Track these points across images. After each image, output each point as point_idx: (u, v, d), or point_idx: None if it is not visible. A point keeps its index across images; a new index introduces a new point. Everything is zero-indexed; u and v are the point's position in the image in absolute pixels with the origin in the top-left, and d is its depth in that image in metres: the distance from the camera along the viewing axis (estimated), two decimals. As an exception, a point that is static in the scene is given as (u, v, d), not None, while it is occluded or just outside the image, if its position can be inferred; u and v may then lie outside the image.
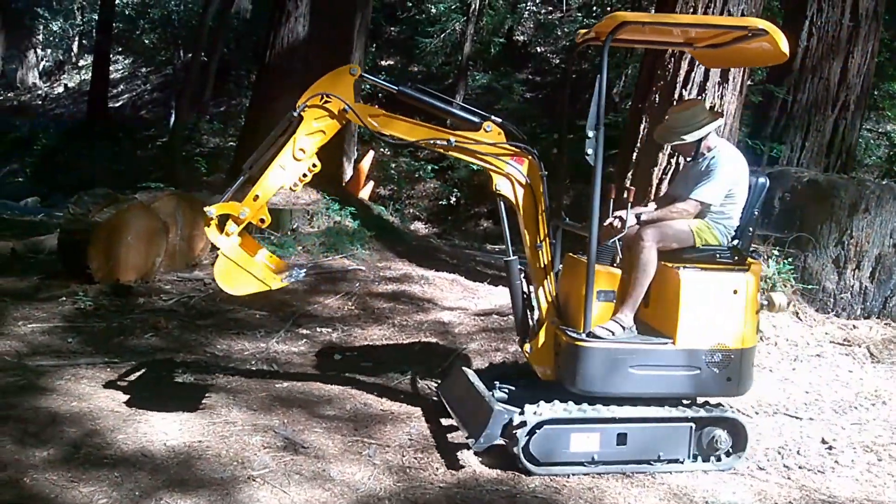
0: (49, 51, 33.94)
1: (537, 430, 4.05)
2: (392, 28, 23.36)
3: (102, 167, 19.75)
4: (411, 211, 17.06)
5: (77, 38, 33.64)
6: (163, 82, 25.11)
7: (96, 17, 26.41)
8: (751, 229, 4.45)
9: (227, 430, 4.44)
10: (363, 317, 7.03)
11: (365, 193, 12.16)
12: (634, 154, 7.72)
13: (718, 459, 4.30)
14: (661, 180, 7.52)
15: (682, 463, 4.25)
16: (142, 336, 6.07)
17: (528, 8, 23.41)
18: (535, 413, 4.07)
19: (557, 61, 22.17)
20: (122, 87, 27.50)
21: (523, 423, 4.04)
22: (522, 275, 4.51)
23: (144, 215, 7.41)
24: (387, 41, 23.23)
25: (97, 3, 27.28)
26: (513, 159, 4.28)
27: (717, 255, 4.32)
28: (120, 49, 28.43)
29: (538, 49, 22.35)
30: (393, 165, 17.58)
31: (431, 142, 4.28)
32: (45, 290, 6.75)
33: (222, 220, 4.19)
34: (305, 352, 6.07)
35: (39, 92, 30.53)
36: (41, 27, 30.77)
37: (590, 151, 4.02)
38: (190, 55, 20.46)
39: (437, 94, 4.50)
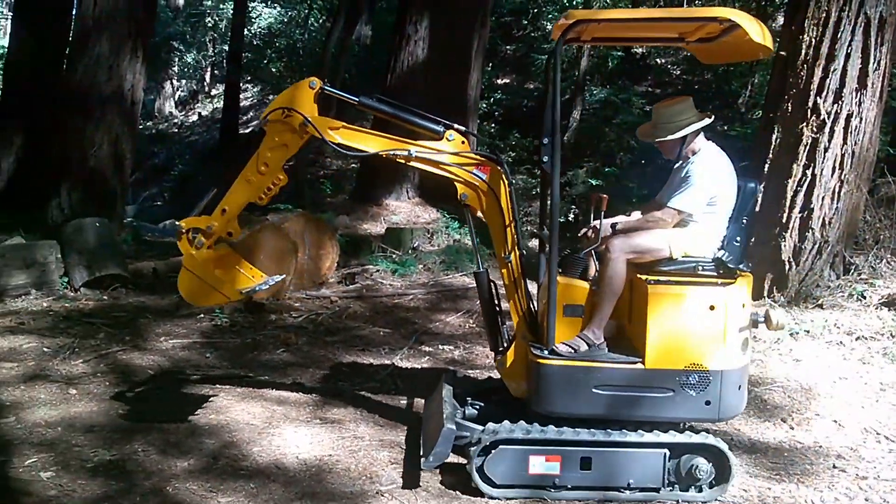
0: (184, 81, 36.15)
1: (493, 451, 3.83)
2: (508, 47, 23.44)
3: (234, 190, 20.72)
4: (528, 228, 16.97)
5: (209, 69, 35.65)
6: (289, 108, 26.12)
7: (227, 49, 27.90)
8: (738, 239, 4.10)
9: (355, 445, 4.52)
10: (484, 335, 7.01)
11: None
12: (766, 166, 7.39)
13: (700, 490, 3.90)
14: (795, 193, 7.17)
15: (657, 492, 3.87)
16: (273, 351, 6.29)
17: (646, 20, 22.98)
18: (489, 432, 3.86)
19: (678, 72, 21.61)
20: (251, 113, 28.82)
21: (478, 442, 3.87)
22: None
23: (275, 236, 7.72)
24: (502, 60, 23.32)
25: (227, 35, 28.83)
26: (477, 168, 4.10)
27: (700, 268, 3.95)
28: (249, 78, 29.87)
29: (657, 61, 21.85)
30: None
31: (393, 153, 4.15)
32: (184, 308, 7.12)
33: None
34: (429, 368, 6.12)
35: (175, 120, 32.48)
36: (176, 59, 32.82)
37: (545, 159, 3.87)
38: (314, 81, 21.28)
39: (398, 104, 4.40)
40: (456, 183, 4.12)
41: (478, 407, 4.38)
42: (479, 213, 4.17)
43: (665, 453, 3.83)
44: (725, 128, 18.46)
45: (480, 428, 4.00)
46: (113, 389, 5.27)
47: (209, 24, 35.08)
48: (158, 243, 11.17)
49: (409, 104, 11.83)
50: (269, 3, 29.77)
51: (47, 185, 9.63)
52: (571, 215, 16.92)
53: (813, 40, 7.15)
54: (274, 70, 26.35)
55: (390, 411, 5.11)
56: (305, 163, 16.18)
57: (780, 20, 21.37)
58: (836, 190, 7.18)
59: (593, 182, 16.92)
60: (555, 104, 3.80)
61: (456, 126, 4.19)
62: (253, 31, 28.16)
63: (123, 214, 11.80)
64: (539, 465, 3.82)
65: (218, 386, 5.41)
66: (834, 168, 7.14)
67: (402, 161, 4.17)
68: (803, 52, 7.21)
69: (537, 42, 20.90)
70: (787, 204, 7.21)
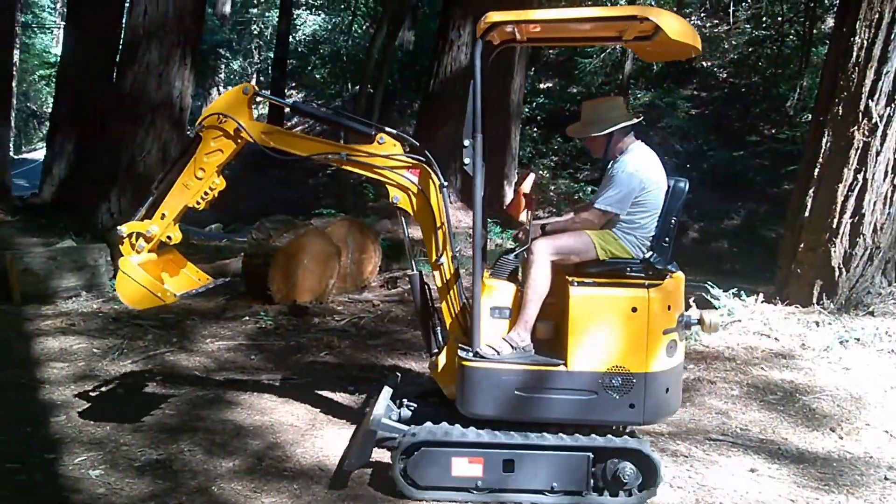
0: (229, 87, 36.81)
1: (415, 453, 3.80)
2: (550, 51, 23.37)
3: (277, 195, 21.02)
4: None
5: (255, 76, 36.25)
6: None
7: (272, 56, 28.31)
8: (667, 239, 3.97)
9: (397, 449, 4.52)
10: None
11: (525, 216, 12.15)
12: (816, 170, 7.24)
13: (629, 495, 3.79)
14: (846, 198, 7.01)
15: (582, 496, 3.79)
16: (317, 354, 6.35)
17: (692, 22, 22.69)
18: (410, 434, 3.83)
19: (725, 75, 21.32)
20: (295, 119, 29.20)
21: (399, 444, 3.84)
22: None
23: (319, 240, 7.79)
24: (545, 64, 23.28)
25: (273, 42, 29.26)
26: (408, 171, 4.07)
27: (628, 269, 3.87)
28: (293, 84, 30.27)
29: (703, 63, 21.59)
30: (552, 187, 17.51)
31: (326, 156, 4.17)
32: (230, 311, 7.23)
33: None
34: (470, 373, 6.10)
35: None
36: (223, 66, 33.41)
37: (467, 161, 3.82)
38: (357, 87, 21.42)
39: (328, 108, 4.40)
40: (387, 185, 4.11)
41: (412, 408, 4.33)
42: (412, 216, 4.14)
43: (588, 456, 3.76)
44: (773, 131, 18.15)
45: (406, 429, 3.96)
46: (160, 390, 5.38)
47: (255, 32, 35.68)
48: (204, 246, 11.36)
49: (452, 109, 11.99)
50: (313, 10, 30.15)
51: (98, 190, 9.85)
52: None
53: (865, 42, 6.99)
54: (318, 76, 26.66)
55: (432, 415, 5.10)
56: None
57: (830, 22, 20.99)
58: (889, 194, 7.00)
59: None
60: (475, 105, 3.76)
61: (387, 129, 4.17)
62: (297, 39, 28.54)
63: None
64: (462, 467, 3.78)
65: (262, 388, 5.47)
66: (886, 172, 6.97)
67: (335, 164, 4.20)
68: (854, 54, 7.05)
69: (580, 46, 20.78)
70: (838, 209, 7.05)
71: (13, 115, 21.66)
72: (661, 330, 3.73)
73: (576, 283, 3.80)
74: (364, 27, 27.26)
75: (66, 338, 6.46)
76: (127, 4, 14.70)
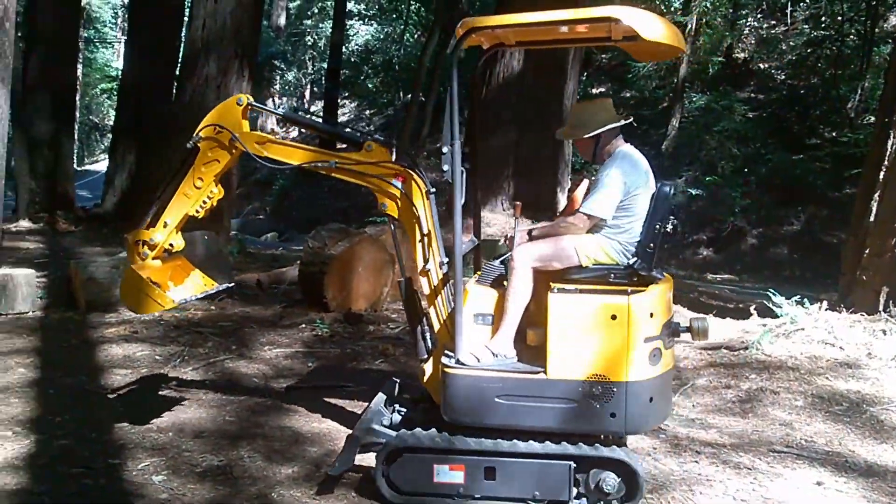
0: (285, 98, 37.44)
1: (398, 458, 3.80)
2: (603, 55, 23.18)
3: (330, 204, 21.28)
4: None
5: (309, 86, 36.81)
6: (384, 123, 26.66)
7: (325, 66, 28.70)
8: (652, 245, 3.83)
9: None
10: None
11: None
12: (881, 173, 7.02)
13: None
14: (914, 201, 6.78)
15: None
16: (372, 362, 6.39)
17: (748, 24, 22.27)
18: (393, 440, 3.84)
19: (783, 77, 20.85)
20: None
21: (382, 451, 3.85)
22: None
23: (373, 248, 7.85)
24: (597, 69, 23.10)
25: (326, 53, 29.66)
26: (394, 178, 4.08)
27: (612, 275, 3.80)
28: (346, 94, 30.64)
29: (761, 65, 21.15)
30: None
31: (317, 164, 4.23)
32: (286, 318, 7.32)
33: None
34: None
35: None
36: (278, 78, 34.01)
37: (446, 168, 3.76)
38: (409, 96, 21.60)
39: (318, 117, 4.37)
40: (375, 193, 4.15)
41: (403, 413, 4.32)
42: (400, 223, 4.17)
43: (570, 465, 3.71)
44: (834, 134, 17.67)
45: (391, 435, 3.96)
46: (220, 396, 5.47)
47: (309, 43, 36.21)
48: (262, 255, 11.55)
49: (504, 116, 11.97)
50: (366, 20, 30.46)
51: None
52: (669, 226, 16.56)
53: (932, 40, 6.76)
54: (370, 85, 26.92)
55: (488, 424, 5.09)
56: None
57: (893, 20, 20.36)
58: (959, 197, 6.75)
59: (693, 192, 16.48)
60: (453, 112, 3.72)
61: (375, 137, 4.22)
62: (350, 49, 28.87)
63: (229, 228, 12.26)
64: (443, 473, 3.78)
65: (320, 395, 5.52)
66: (955, 174, 6.72)
67: (325, 172, 4.24)
68: (922, 52, 6.82)
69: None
70: (905, 213, 6.84)
71: (76, 127, 22.36)
72: (642, 338, 3.64)
73: (556, 290, 3.76)
74: (416, 36, 27.43)
75: (128, 345, 6.62)
76: (186, 19, 15.11)
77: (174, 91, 11.66)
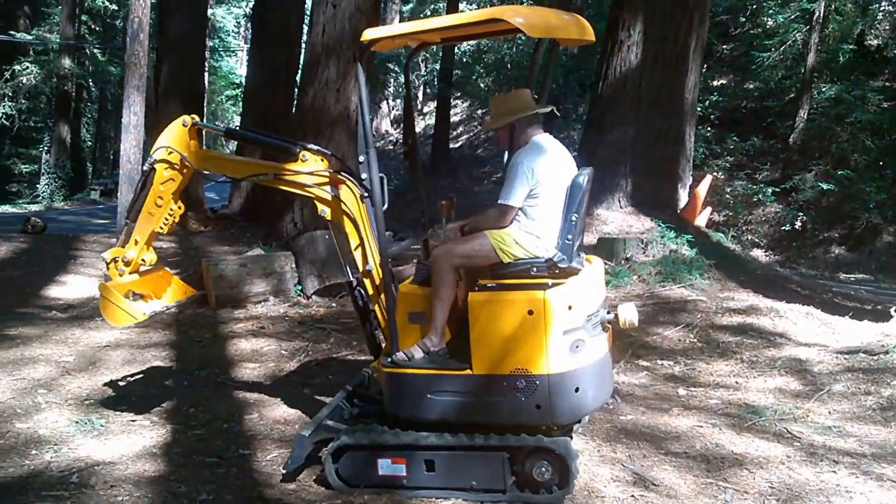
0: (398, 101, 38.03)
1: (345, 453, 3.98)
2: (724, 46, 22.31)
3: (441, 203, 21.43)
4: (749, 237, 16.00)
5: (422, 88, 37.25)
6: (496, 121, 26.63)
7: (438, 67, 28.95)
8: (570, 237, 3.84)
9: (574, 459, 4.43)
10: (706, 350, 6.67)
11: (702, 220, 11.64)
12: None
13: (550, 492, 3.81)
14: None
15: (504, 493, 3.84)
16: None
17: (882, 9, 20.88)
18: (338, 438, 3.99)
19: (921, 64, 19.41)
20: (460, 128, 29.76)
21: (330, 446, 4.00)
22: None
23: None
24: (718, 60, 22.23)
25: (439, 54, 29.92)
26: (330, 185, 4.24)
27: (534, 269, 3.84)
28: (458, 94, 30.81)
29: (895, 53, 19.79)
30: (728, 190, 16.67)
31: (258, 176, 4.43)
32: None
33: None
34: (647, 384, 5.90)
35: (391, 138, 34.25)
36: (392, 80, 34.59)
37: (364, 176, 3.98)
38: (522, 93, 21.48)
39: (258, 131, 4.80)
40: (314, 200, 4.30)
41: (360, 408, 4.49)
42: (340, 228, 4.29)
43: (503, 456, 3.81)
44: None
45: (341, 430, 4.10)
46: (342, 392, 5.59)
47: (421, 44, 36.68)
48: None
49: (622, 111, 11.71)
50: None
51: (282, 201, 10.44)
52: (798, 223, 15.74)
53: None
54: (482, 85, 26.95)
55: (608, 426, 4.98)
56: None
57: None
58: None
59: (823, 186, 15.61)
60: (364, 120, 3.93)
61: (310, 146, 4.34)
62: (462, 49, 28.99)
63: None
64: (387, 467, 3.94)
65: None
66: None
67: (265, 184, 4.44)
68: None
69: (758, 39, 19.68)
70: None
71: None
72: (560, 330, 3.67)
73: (476, 288, 3.87)
74: (528, 33, 27.30)
75: (256, 340, 6.88)
76: (306, 26, 15.58)
77: (296, 95, 12.02)
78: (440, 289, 3.94)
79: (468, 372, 3.80)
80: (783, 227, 15.92)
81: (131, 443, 4.66)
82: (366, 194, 4.10)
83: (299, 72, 14.28)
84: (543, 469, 3.79)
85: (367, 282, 4.28)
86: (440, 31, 4.10)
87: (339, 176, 4.23)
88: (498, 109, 4.20)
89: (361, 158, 3.98)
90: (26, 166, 31.86)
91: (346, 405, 4.50)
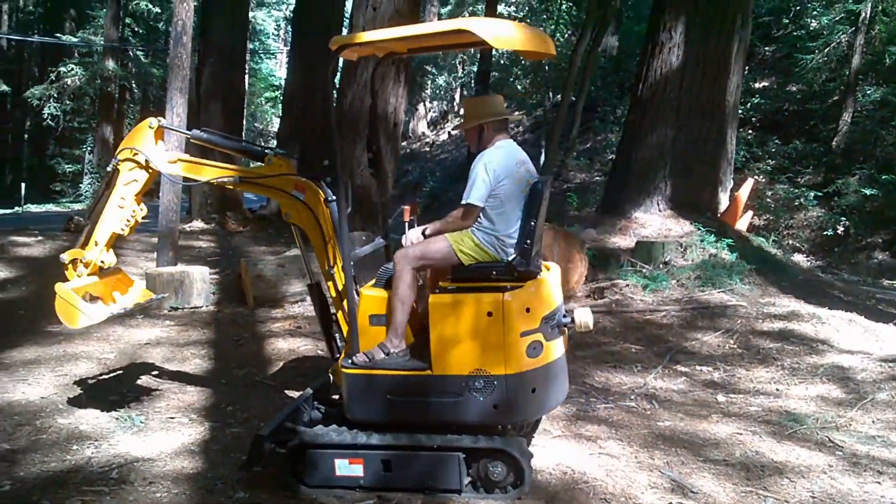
0: (435, 103, 38.12)
1: (304, 453, 4.01)
2: (766, 48, 21.96)
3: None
4: (790, 242, 15.71)
5: (458, 90, 37.27)
6: (533, 124, 26.52)
7: (475, 70, 28.93)
8: (528, 241, 3.93)
9: (610, 464, 4.40)
10: (746, 356, 6.56)
11: (742, 224, 11.45)
12: None
13: (505, 491, 3.89)
14: None
15: (460, 493, 3.90)
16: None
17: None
18: (296, 439, 4.03)
19: (972, 66, 18.90)
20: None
21: (288, 447, 4.03)
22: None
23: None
24: (760, 62, 21.89)
25: (476, 56, 29.89)
26: (295, 189, 4.30)
27: (493, 273, 3.95)
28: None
29: (947, 53, 19.28)
30: (769, 193, 16.39)
31: (224, 179, 4.49)
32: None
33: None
34: (685, 390, 5.82)
35: (427, 139, 34.31)
36: (429, 83, 34.68)
37: (328, 180, 4.08)
38: (559, 96, 21.39)
39: (225, 135, 4.78)
40: (280, 202, 4.39)
41: (322, 409, 4.54)
42: (304, 231, 4.35)
43: (459, 456, 3.86)
44: None
45: (300, 431, 4.12)
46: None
47: (459, 47, 36.69)
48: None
49: (662, 113, 11.56)
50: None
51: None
52: (841, 228, 15.41)
53: None
54: (519, 87, 26.87)
55: (645, 432, 4.92)
56: (549, 177, 16.31)
57: None
58: None
59: (867, 192, 15.27)
60: (332, 123, 4.14)
61: (277, 151, 4.45)
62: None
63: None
64: (344, 467, 3.97)
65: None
66: None
67: (232, 186, 4.53)
68: None
69: (801, 41, 19.35)
70: None
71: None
72: (518, 332, 3.76)
73: (437, 290, 3.98)
74: (566, 35, 27.13)
75: (293, 339, 6.93)
76: (345, 29, 15.69)
77: (335, 97, 12.11)
78: (400, 291, 4.01)
79: (428, 373, 3.88)
80: (825, 232, 15.60)
81: (170, 440, 4.72)
82: (331, 198, 4.17)
83: (338, 74, 14.38)
84: (499, 469, 3.88)
85: (329, 284, 4.35)
86: (406, 40, 4.22)
87: (304, 180, 4.32)
88: (469, 112, 4.31)
89: (326, 163, 4.09)
90: (70, 166, 32.53)
91: (306, 407, 4.53)
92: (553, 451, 4.56)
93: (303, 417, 4.45)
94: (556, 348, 3.99)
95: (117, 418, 5.03)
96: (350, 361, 4.04)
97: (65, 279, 4.67)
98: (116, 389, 5.62)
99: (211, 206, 15.18)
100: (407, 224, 4.53)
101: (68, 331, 6.97)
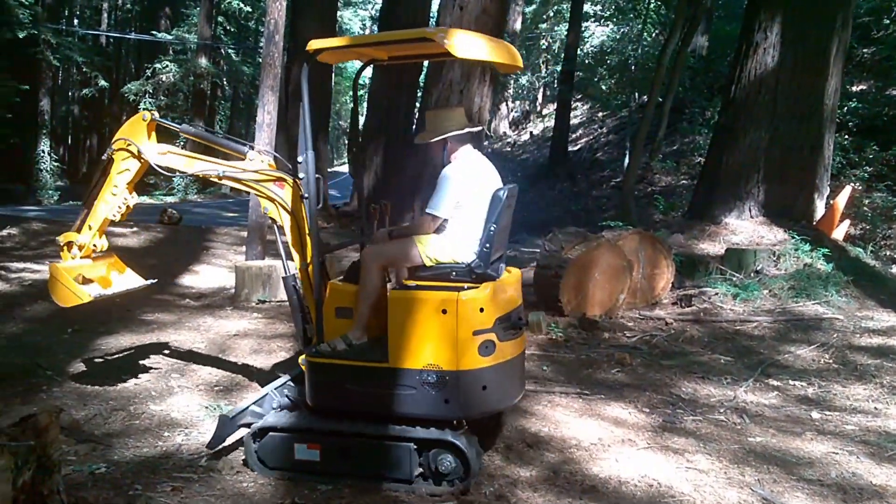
0: (517, 102, 37.96)
1: (263, 437, 4.17)
2: (864, 50, 21.02)
3: (561, 206, 21.20)
4: (888, 253, 14.97)
5: (541, 90, 37.03)
6: (618, 125, 26.11)
7: (559, 69, 28.67)
8: (488, 245, 4.08)
9: (698, 479, 4.27)
10: (843, 372, 6.28)
11: (839, 233, 10.95)
12: None
13: (452, 483, 4.01)
14: None
15: (411, 483, 4.03)
16: (608, 370, 6.23)
17: None
18: (259, 422, 4.23)
19: None
20: (580, 131, 29.33)
21: (251, 430, 4.20)
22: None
23: (611, 253, 7.67)
24: (857, 65, 20.96)
25: (560, 56, 29.63)
26: (274, 184, 4.46)
27: (453, 274, 4.12)
28: (579, 96, 30.41)
29: None
30: (866, 202, 15.66)
31: (205, 172, 4.70)
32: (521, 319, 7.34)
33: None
34: (778, 405, 5.60)
35: (509, 139, 34.20)
36: (511, 82, 34.53)
37: (301, 175, 4.14)
38: (645, 97, 20.97)
39: (212, 130, 4.86)
40: (258, 197, 4.58)
41: (287, 395, 4.60)
42: (280, 226, 4.50)
43: (411, 447, 4.00)
44: None
45: (264, 415, 4.35)
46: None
47: (543, 47, 36.43)
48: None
49: (756, 115, 11.19)
50: (602, 21, 30.06)
51: (402, 198, 10.61)
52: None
53: None
54: (604, 87, 26.46)
55: (736, 447, 4.76)
56: (634, 180, 16.00)
57: None
58: None
59: None
60: (306, 122, 4.12)
61: (258, 147, 4.66)
62: (585, 51, 28.59)
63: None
64: (302, 451, 4.13)
65: (556, 399, 5.48)
66: None
67: (215, 179, 4.71)
68: None
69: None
70: None
71: (329, 133, 24.18)
72: (471, 331, 3.90)
73: (398, 287, 4.19)
74: (654, 34, 26.59)
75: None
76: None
77: (420, 96, 12.19)
78: (366, 285, 4.19)
79: (385, 364, 4.02)
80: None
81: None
82: (306, 195, 4.26)
83: (423, 73, 14.46)
84: (447, 462, 4.00)
85: (304, 279, 4.48)
86: (375, 46, 4.44)
87: (282, 176, 4.49)
88: (432, 125, 4.41)
89: (300, 159, 4.17)
90: (164, 160, 33.67)
91: (276, 394, 4.65)
92: (638, 462, 4.45)
93: (272, 403, 4.62)
94: (509, 349, 4.14)
95: (206, 407, 5.17)
96: (314, 350, 4.23)
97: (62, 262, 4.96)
98: (206, 379, 5.78)
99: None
100: (376, 224, 4.80)
101: (162, 320, 7.23)
